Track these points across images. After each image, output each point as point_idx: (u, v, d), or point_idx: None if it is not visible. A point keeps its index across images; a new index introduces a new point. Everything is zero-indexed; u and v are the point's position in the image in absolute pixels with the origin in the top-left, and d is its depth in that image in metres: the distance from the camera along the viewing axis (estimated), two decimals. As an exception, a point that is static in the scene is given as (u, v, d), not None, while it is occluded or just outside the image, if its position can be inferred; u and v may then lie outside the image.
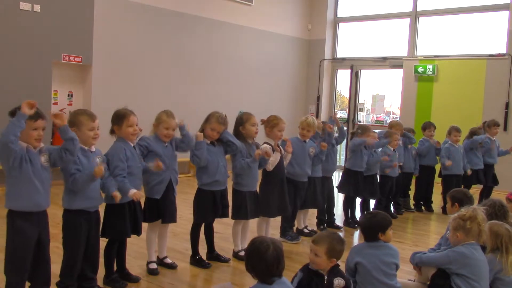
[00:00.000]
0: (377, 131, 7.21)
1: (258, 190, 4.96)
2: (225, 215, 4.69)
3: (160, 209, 4.26)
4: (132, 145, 3.99)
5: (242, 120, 4.71)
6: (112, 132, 4.00)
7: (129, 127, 3.94)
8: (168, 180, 4.27)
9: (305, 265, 3.24)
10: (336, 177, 10.53)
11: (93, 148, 3.66)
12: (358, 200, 6.70)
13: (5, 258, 3.26)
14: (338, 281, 3.12)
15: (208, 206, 4.52)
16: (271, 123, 5.01)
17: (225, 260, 4.71)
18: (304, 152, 5.43)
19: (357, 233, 6.18)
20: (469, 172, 7.36)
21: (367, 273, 3.37)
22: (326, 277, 3.16)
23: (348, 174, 6.32)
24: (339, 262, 3.20)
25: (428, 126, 7.63)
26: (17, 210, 3.21)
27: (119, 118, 3.96)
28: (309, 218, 6.09)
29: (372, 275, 3.36)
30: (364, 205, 6.66)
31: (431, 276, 3.69)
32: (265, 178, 5.06)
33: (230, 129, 4.70)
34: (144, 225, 4.34)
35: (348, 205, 6.46)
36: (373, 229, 3.48)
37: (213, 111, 4.58)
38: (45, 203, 3.30)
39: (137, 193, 3.76)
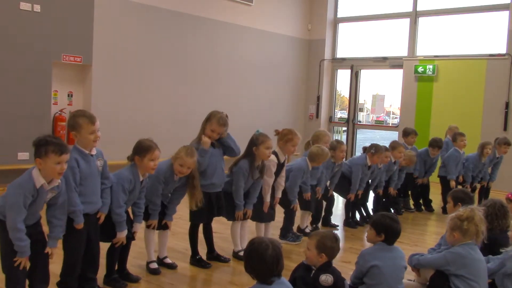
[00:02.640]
0: (377, 131, 7.20)
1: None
2: (220, 214, 4.68)
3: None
4: (141, 178, 3.94)
5: (258, 141, 4.60)
6: (131, 160, 3.92)
7: (150, 161, 3.87)
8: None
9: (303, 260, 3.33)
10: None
11: (93, 151, 3.62)
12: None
13: (1, 256, 3.26)
14: (325, 277, 3.13)
15: (204, 207, 4.48)
16: (286, 138, 4.96)
17: (225, 260, 4.71)
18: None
19: (356, 233, 6.19)
20: (460, 179, 7.36)
21: (382, 277, 3.36)
22: (313, 271, 3.18)
23: (343, 178, 6.30)
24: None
25: (410, 133, 7.49)
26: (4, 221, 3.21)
27: (143, 150, 3.87)
28: (309, 218, 6.10)
29: (387, 279, 3.37)
30: (362, 206, 6.66)
31: (430, 277, 3.69)
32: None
33: (230, 130, 4.66)
34: (143, 225, 4.35)
35: (350, 206, 6.46)
36: (398, 233, 3.50)
37: (214, 111, 4.53)
38: (31, 222, 3.27)
39: (121, 239, 3.88)
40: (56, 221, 3.34)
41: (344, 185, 6.30)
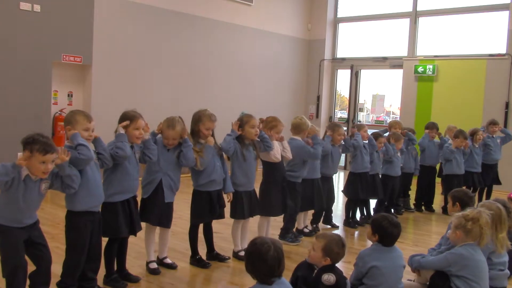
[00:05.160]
0: (378, 130, 7.22)
1: (258, 190, 4.96)
2: (221, 216, 4.66)
3: (145, 210, 4.24)
4: (130, 144, 3.94)
5: (242, 122, 4.68)
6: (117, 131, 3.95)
7: (135, 130, 3.91)
8: (158, 182, 4.23)
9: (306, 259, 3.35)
10: (337, 178, 10.55)
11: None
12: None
13: (1, 260, 3.26)
14: (327, 277, 3.13)
15: (205, 206, 4.49)
16: (270, 125, 5.00)
17: (225, 259, 4.71)
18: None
19: (357, 233, 6.19)
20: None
21: (382, 277, 3.36)
22: (316, 271, 3.18)
23: (353, 177, 6.33)
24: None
25: (430, 127, 7.59)
26: (0, 223, 3.21)
27: (127, 119, 3.93)
28: (309, 218, 6.09)
29: (387, 279, 3.36)
30: (363, 206, 6.66)
31: (430, 277, 3.69)
32: (266, 177, 5.06)
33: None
34: (144, 225, 4.34)
35: (351, 207, 6.45)
36: (393, 237, 3.49)
37: (200, 111, 4.53)
38: (28, 221, 3.27)
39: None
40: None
41: (355, 185, 6.30)
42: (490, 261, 3.72)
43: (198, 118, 4.47)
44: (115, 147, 3.75)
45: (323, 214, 6.22)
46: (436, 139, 7.62)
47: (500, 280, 3.80)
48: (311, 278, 3.19)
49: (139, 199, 4.18)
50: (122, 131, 3.85)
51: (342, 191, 6.56)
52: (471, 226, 3.49)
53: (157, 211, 4.26)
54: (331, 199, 6.25)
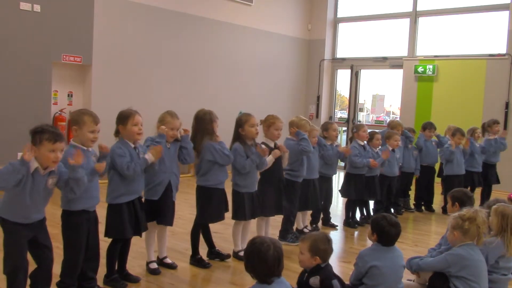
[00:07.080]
0: (377, 131, 7.20)
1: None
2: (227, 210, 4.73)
3: (157, 211, 4.24)
4: (133, 146, 3.96)
5: (242, 122, 4.69)
6: (117, 133, 3.95)
7: (134, 126, 3.92)
8: (167, 182, 4.26)
9: None
10: (337, 178, 10.55)
11: (89, 148, 3.64)
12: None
13: (3, 257, 3.26)
14: (313, 280, 3.14)
15: (221, 205, 4.57)
16: (268, 122, 5.02)
17: (227, 257, 4.72)
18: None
19: (357, 233, 6.19)
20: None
21: (382, 277, 3.35)
22: (306, 275, 3.18)
23: (349, 178, 6.34)
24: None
25: (428, 127, 7.58)
26: (7, 219, 3.21)
27: (124, 117, 3.94)
28: (308, 218, 6.10)
29: (386, 279, 3.35)
30: (363, 206, 6.66)
31: (429, 278, 3.68)
32: (262, 177, 5.06)
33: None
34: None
35: (350, 207, 6.46)
36: (397, 236, 3.48)
37: (204, 112, 4.58)
38: (37, 216, 3.26)
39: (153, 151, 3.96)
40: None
41: (350, 186, 6.30)
42: (496, 265, 3.70)
43: (210, 118, 4.53)
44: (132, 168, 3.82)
45: (322, 216, 6.23)
46: (434, 138, 7.61)
47: (502, 284, 3.79)
48: (303, 282, 3.20)
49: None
50: (150, 159, 3.94)
51: (339, 190, 6.55)
52: (468, 226, 3.48)
53: (170, 212, 4.31)
54: (329, 199, 6.27)
